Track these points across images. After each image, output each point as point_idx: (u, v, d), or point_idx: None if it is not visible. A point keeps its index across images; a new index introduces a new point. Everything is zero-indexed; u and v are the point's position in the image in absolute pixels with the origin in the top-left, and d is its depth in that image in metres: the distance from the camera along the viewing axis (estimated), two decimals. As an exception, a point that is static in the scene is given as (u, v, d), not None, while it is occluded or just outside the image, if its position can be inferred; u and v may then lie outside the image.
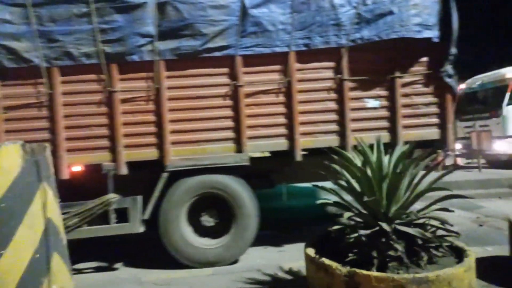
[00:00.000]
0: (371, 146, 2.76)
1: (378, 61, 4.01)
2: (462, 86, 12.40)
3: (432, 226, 2.52)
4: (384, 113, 4.04)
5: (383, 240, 2.32)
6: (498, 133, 10.21)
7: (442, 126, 4.10)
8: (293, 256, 3.85)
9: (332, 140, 3.91)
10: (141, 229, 3.76)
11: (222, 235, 3.88)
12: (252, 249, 4.22)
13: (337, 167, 2.86)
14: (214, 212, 3.95)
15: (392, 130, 4.02)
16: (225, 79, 3.84)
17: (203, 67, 3.81)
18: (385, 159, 2.69)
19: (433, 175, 2.73)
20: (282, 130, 3.91)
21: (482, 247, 3.90)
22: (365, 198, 2.42)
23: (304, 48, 3.85)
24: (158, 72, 3.69)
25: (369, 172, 2.57)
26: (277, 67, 3.89)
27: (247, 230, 3.83)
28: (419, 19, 3.85)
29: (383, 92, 4.03)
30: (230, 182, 3.81)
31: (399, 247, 2.24)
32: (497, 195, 7.36)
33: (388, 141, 3.92)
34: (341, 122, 3.95)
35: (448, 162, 12.64)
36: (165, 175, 3.71)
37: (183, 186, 3.76)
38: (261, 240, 4.22)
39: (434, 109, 4.10)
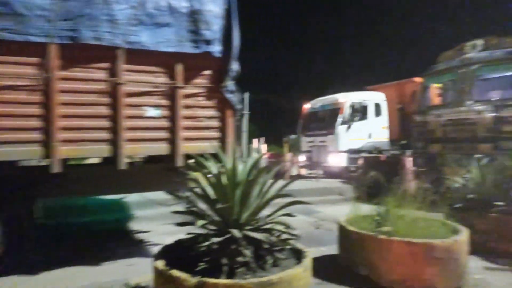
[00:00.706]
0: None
1: (159, 68, 3.83)
2: (307, 105, 14.13)
3: (278, 230, 2.68)
4: (165, 123, 3.86)
5: (233, 246, 2.35)
6: (333, 148, 11.93)
7: (223, 140, 4.09)
8: (143, 270, 3.58)
9: (102, 150, 3.59)
10: None
11: None
12: (97, 264, 3.79)
13: (193, 174, 2.82)
14: None
15: (172, 141, 3.86)
16: None
17: None
18: (240, 166, 2.77)
19: (280, 183, 2.92)
20: (37, 135, 3.32)
21: (318, 247, 4.40)
22: (218, 205, 2.41)
23: (69, 42, 3.38)
24: None
25: (224, 179, 2.59)
26: (34, 59, 3.30)
27: None
28: (197, 34, 3.83)
29: (164, 102, 3.85)
30: None
31: (248, 252, 2.30)
32: (330, 201, 8.54)
33: (167, 153, 3.86)
34: (114, 129, 3.60)
35: (294, 172, 14.11)
36: None
37: None
38: (110, 253, 3.83)
39: (215, 123, 4.08)
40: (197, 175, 2.74)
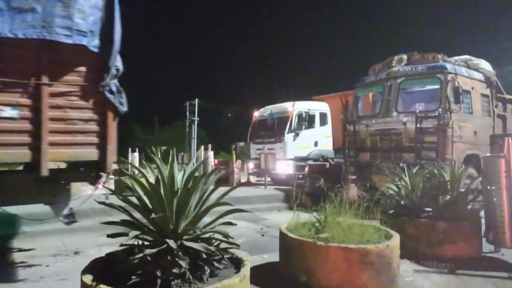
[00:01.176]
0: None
1: (19, 61, 3.37)
2: (256, 113, 14.28)
3: (217, 239, 2.64)
4: (26, 125, 3.38)
5: (169, 257, 2.26)
6: (281, 156, 12.14)
7: (102, 146, 3.70)
8: (76, 285, 3.35)
9: None
10: None
11: None
12: (26, 281, 3.47)
13: (128, 182, 2.69)
14: None
15: (36, 147, 3.39)
16: None
17: None
18: (179, 175, 2.70)
19: (221, 190, 2.89)
20: None
21: (261, 255, 4.41)
22: (153, 215, 2.32)
23: None
24: None
25: (161, 188, 2.51)
26: None
27: None
28: (70, 22, 3.43)
29: (26, 100, 3.37)
30: None
31: (183, 263, 2.23)
32: (276, 208, 8.64)
33: (30, 161, 3.40)
34: None
35: (243, 179, 14.13)
36: None
37: None
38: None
39: (93, 126, 3.67)
40: (132, 183, 2.61)
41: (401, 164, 6.70)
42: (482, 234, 4.27)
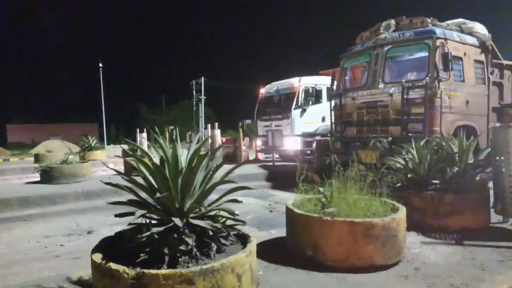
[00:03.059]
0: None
1: None
2: (262, 90, 14.15)
3: (223, 217, 2.67)
4: None
5: (175, 235, 2.31)
6: (288, 132, 12.11)
7: None
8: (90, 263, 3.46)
9: None
10: None
11: None
12: (41, 259, 3.59)
13: (134, 162, 2.71)
14: None
15: None
16: None
17: None
18: (183, 154, 2.71)
19: (226, 168, 2.90)
20: None
21: (269, 230, 4.47)
22: (158, 194, 2.35)
23: None
24: None
25: (166, 167, 2.53)
26: None
27: None
28: None
29: None
30: None
31: (190, 240, 2.27)
32: (286, 185, 8.67)
33: None
34: None
35: (251, 156, 14.19)
36: None
37: None
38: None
39: None
40: (137, 163, 2.64)
41: (388, 139, 6.49)
42: (491, 205, 4.25)
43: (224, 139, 14.25)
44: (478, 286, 2.74)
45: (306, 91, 12.24)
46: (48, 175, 7.97)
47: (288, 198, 3.86)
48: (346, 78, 8.28)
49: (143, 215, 2.40)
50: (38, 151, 20.17)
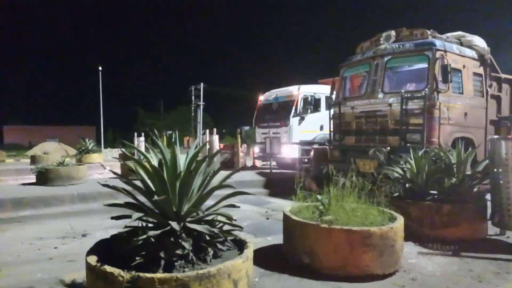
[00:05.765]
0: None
1: None
2: (261, 97, 14.18)
3: (220, 222, 2.65)
4: None
5: (172, 239, 2.29)
6: (286, 139, 12.10)
7: None
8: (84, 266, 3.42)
9: None
10: None
11: None
12: (34, 261, 3.54)
13: (132, 165, 2.70)
14: None
15: None
16: None
17: None
18: (182, 158, 2.70)
19: (224, 174, 2.89)
20: None
21: (265, 237, 4.44)
22: (155, 197, 2.34)
23: None
24: None
25: (164, 171, 2.51)
26: None
27: None
28: None
29: None
30: None
31: (186, 245, 2.25)
32: (282, 192, 8.64)
33: None
34: None
35: (249, 163, 14.16)
36: None
37: None
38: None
39: None
40: (135, 166, 2.62)
41: (387, 148, 6.47)
42: (488, 217, 4.25)
43: (221, 145, 14.23)
44: (475, 297, 2.72)
45: (305, 100, 12.27)
46: (44, 177, 7.90)
47: (285, 205, 3.84)
48: (345, 87, 8.32)
49: (140, 218, 2.38)
50: (35, 152, 20.02)
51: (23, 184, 8.30)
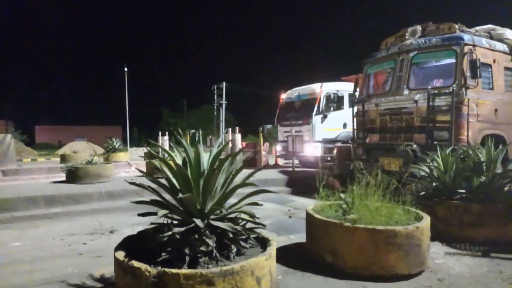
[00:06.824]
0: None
1: None
2: (283, 96, 14.14)
3: (243, 219, 2.68)
4: None
5: (196, 236, 2.33)
6: (308, 138, 12.03)
7: None
8: (111, 261, 3.53)
9: None
10: None
11: None
12: (65, 256, 3.69)
13: (157, 163, 2.77)
14: None
15: None
16: None
17: None
18: (205, 156, 2.74)
19: (247, 172, 2.91)
20: None
21: (288, 236, 4.44)
22: (180, 195, 2.39)
23: None
24: None
25: (188, 169, 2.56)
26: None
27: None
28: None
29: None
30: None
31: (210, 242, 2.29)
32: (305, 191, 8.61)
33: None
34: None
35: (271, 162, 14.17)
36: None
37: None
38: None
39: None
40: (160, 164, 2.69)
41: (413, 146, 6.34)
42: (520, 217, 4.09)
43: (244, 144, 14.31)
44: (506, 300, 2.63)
45: (328, 97, 12.15)
46: (73, 175, 8.20)
47: (308, 204, 3.83)
48: (369, 84, 8.18)
49: (165, 215, 2.44)
50: (64, 151, 20.80)
51: (54, 182, 8.63)
